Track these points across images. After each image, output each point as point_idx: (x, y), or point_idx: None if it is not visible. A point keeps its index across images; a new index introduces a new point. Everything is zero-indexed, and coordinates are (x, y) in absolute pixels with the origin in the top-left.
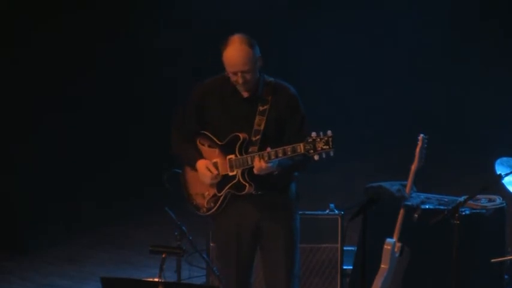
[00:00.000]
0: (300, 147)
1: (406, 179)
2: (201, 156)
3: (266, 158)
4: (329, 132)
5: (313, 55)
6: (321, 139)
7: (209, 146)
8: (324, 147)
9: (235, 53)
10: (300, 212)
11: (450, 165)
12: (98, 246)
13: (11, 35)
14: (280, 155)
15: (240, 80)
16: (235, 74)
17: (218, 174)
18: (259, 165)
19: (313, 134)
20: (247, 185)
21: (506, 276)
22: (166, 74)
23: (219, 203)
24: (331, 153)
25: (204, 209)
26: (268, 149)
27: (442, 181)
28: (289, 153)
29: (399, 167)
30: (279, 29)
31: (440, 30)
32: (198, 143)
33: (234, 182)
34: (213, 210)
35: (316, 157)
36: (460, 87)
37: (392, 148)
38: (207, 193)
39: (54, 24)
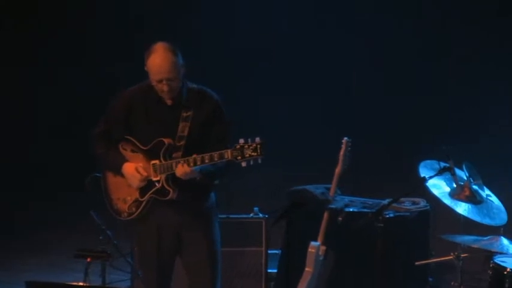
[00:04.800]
0: (228, 154)
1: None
2: (126, 160)
3: (192, 164)
4: (257, 139)
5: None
6: (249, 146)
7: (132, 151)
8: (253, 154)
9: (159, 60)
10: (224, 216)
11: None
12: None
13: None
14: (206, 161)
15: (165, 88)
16: (160, 81)
17: (147, 176)
18: (183, 170)
19: (241, 141)
20: (171, 190)
21: (430, 279)
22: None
23: (141, 208)
24: (259, 160)
25: (125, 214)
26: (195, 155)
27: None
28: (216, 159)
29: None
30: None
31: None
32: (120, 147)
33: (157, 187)
34: (135, 215)
35: (243, 164)
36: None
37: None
38: (129, 198)
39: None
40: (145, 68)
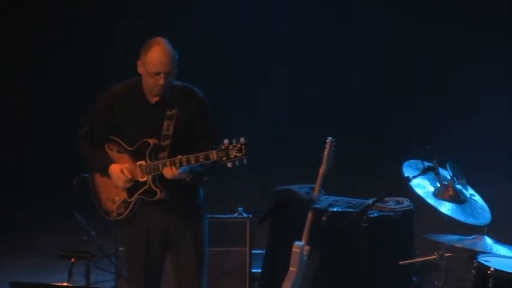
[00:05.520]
0: (213, 155)
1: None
2: (113, 161)
3: (178, 165)
4: (242, 140)
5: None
6: (234, 146)
7: (118, 152)
8: (238, 154)
9: (161, 53)
10: (209, 216)
11: None
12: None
13: None
14: (192, 162)
15: (161, 81)
16: (157, 74)
17: (132, 177)
18: (171, 172)
19: (226, 142)
20: (158, 190)
21: (414, 278)
22: None
23: (129, 208)
24: (245, 161)
25: (115, 214)
26: (180, 156)
27: None
28: (201, 160)
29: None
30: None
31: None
32: (106, 148)
33: (145, 188)
34: (124, 215)
35: (229, 164)
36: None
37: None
38: (117, 198)
39: None
40: (140, 61)
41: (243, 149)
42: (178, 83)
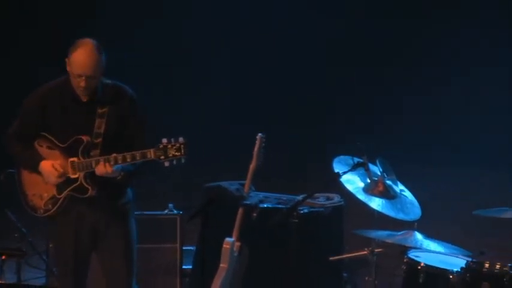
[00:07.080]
0: (150, 153)
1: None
2: (43, 157)
3: (112, 162)
4: (181, 139)
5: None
6: (172, 145)
7: (48, 148)
8: (176, 153)
9: (85, 56)
10: (139, 212)
11: None
12: None
13: None
14: (128, 160)
15: (83, 84)
16: (79, 76)
17: (64, 173)
18: (104, 169)
19: (165, 141)
20: (90, 188)
21: (345, 274)
22: None
23: (57, 205)
24: (183, 160)
25: (42, 211)
26: (115, 154)
27: None
28: (138, 158)
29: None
30: None
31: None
32: (36, 144)
33: (76, 184)
34: (51, 211)
35: (166, 163)
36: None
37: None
38: (45, 194)
39: None
40: (67, 59)
41: (181, 148)
42: (109, 81)
